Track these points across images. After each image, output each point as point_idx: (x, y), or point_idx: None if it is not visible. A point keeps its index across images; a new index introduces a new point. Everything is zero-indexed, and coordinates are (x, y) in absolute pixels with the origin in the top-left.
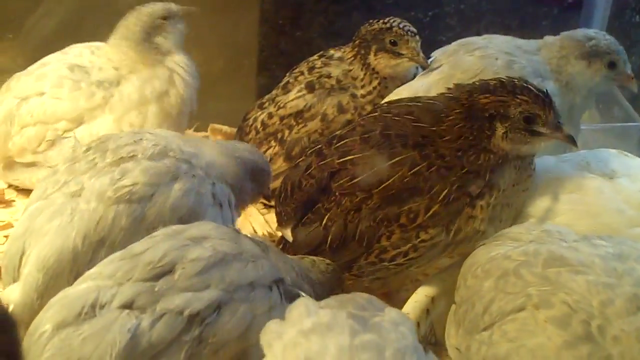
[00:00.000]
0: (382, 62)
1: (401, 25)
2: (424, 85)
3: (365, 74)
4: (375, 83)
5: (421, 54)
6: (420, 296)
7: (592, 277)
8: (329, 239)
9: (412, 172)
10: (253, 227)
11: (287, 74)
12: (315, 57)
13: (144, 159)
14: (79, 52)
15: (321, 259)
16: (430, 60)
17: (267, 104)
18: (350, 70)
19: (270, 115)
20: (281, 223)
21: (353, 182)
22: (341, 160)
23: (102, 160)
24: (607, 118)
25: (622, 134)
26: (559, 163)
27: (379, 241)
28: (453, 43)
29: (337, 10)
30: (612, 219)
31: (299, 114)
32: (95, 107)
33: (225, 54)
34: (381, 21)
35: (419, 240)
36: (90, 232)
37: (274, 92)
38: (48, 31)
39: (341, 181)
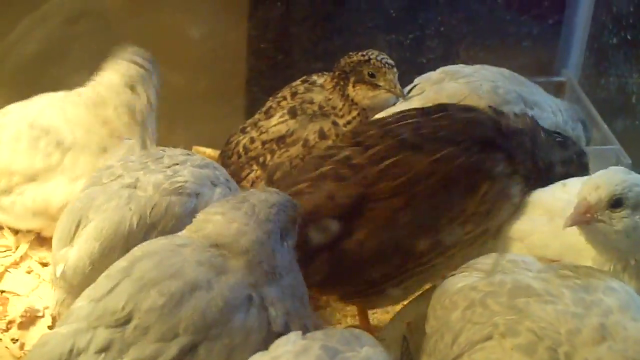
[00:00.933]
0: (360, 94)
1: (379, 58)
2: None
3: (344, 105)
4: (354, 113)
5: (398, 86)
6: (397, 322)
7: (560, 307)
8: (364, 255)
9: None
10: None
11: (270, 99)
12: (298, 82)
13: (191, 166)
14: (41, 107)
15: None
16: (414, 85)
17: (249, 129)
18: (330, 99)
19: (252, 140)
20: None
21: (394, 184)
22: (379, 167)
23: (156, 164)
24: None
25: (600, 156)
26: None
27: (417, 245)
28: (438, 70)
29: (321, 33)
30: (576, 239)
31: (281, 139)
32: (50, 168)
33: (210, 76)
34: (360, 54)
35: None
36: (145, 215)
37: (256, 116)
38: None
39: (380, 186)
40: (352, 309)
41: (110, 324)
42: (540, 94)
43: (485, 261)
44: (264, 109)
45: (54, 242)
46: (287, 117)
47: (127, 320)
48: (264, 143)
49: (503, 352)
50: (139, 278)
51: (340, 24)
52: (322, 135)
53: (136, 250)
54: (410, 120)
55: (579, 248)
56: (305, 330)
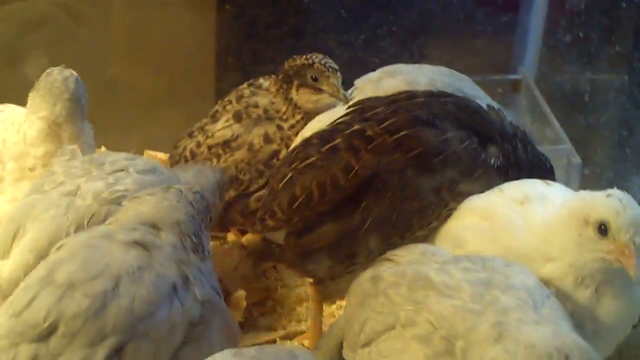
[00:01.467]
0: (303, 97)
1: (323, 62)
2: (343, 109)
3: (287, 108)
4: (298, 117)
5: (341, 90)
6: (333, 329)
7: (458, 302)
8: (369, 221)
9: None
10: None
11: (218, 103)
12: (244, 85)
13: (135, 172)
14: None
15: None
16: (354, 87)
17: (196, 133)
18: (274, 103)
19: (198, 144)
20: (274, 227)
21: (409, 155)
22: (394, 138)
23: (98, 170)
24: (539, 138)
25: (552, 155)
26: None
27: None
28: (377, 70)
29: (271, 35)
30: (524, 247)
31: (226, 144)
32: None
33: (163, 79)
34: (304, 57)
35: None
36: (82, 224)
37: (203, 120)
38: None
39: (395, 157)
40: (297, 314)
41: (33, 339)
42: (480, 91)
43: (399, 253)
44: (210, 112)
45: None
46: (232, 121)
47: (51, 331)
48: (210, 147)
49: (404, 342)
50: (60, 285)
51: (291, 27)
52: (267, 139)
53: (54, 255)
54: (419, 99)
55: (529, 258)
56: (224, 322)
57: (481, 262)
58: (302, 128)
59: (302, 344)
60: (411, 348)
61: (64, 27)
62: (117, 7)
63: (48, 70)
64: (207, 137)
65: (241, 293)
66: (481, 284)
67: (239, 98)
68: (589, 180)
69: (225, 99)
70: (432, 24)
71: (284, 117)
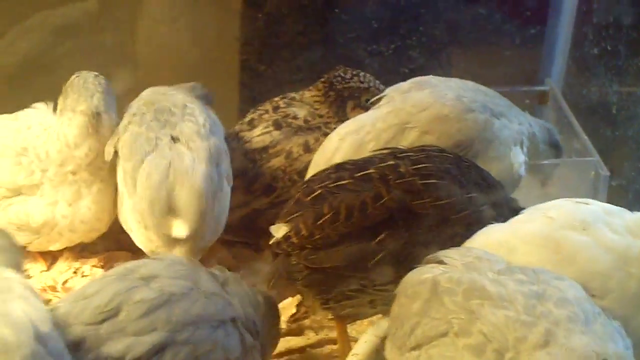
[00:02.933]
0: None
1: (377, 85)
2: (371, 118)
3: (337, 122)
4: None
5: None
6: (370, 336)
7: (512, 314)
8: (381, 255)
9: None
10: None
11: (252, 111)
12: (277, 99)
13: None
14: (28, 123)
15: (261, 290)
16: (384, 95)
17: (229, 139)
18: (317, 111)
19: (232, 150)
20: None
21: (435, 204)
22: (424, 182)
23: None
24: (566, 150)
25: (579, 167)
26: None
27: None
28: (408, 81)
29: (301, 44)
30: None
31: (264, 149)
32: (33, 185)
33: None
34: (356, 78)
35: None
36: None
37: (236, 127)
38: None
39: (421, 201)
40: (328, 321)
41: (87, 321)
42: (508, 106)
43: (452, 255)
44: (245, 120)
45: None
46: (271, 128)
47: (109, 316)
48: (245, 153)
49: (455, 350)
50: (138, 277)
51: (320, 35)
52: (307, 149)
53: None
54: (449, 155)
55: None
56: None
57: (534, 274)
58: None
59: (336, 357)
60: (463, 358)
61: (90, 34)
62: (141, 15)
63: (76, 74)
64: (245, 143)
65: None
66: (534, 296)
67: (275, 108)
68: (616, 193)
69: (260, 108)
70: (461, 35)
71: (333, 126)
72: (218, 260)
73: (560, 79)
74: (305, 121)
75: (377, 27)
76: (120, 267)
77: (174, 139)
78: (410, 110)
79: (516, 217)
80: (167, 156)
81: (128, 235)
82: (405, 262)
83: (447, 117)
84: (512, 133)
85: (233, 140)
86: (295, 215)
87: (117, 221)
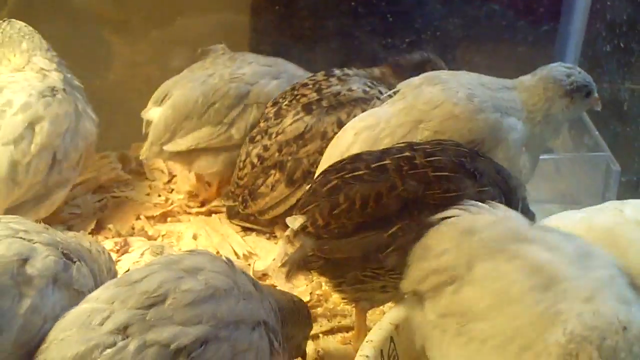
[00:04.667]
0: None
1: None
2: (387, 114)
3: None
4: None
5: None
6: (384, 324)
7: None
8: (393, 247)
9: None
10: (233, 249)
11: (271, 105)
12: (320, 77)
13: (255, 63)
14: None
15: (292, 295)
16: (397, 90)
17: (258, 137)
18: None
19: (265, 148)
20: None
21: (447, 195)
22: (437, 174)
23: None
24: (577, 146)
25: (590, 162)
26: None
27: None
28: (420, 76)
29: (317, 37)
30: None
31: (299, 136)
32: None
33: None
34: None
35: None
36: (208, 95)
37: (262, 124)
38: None
39: (432, 192)
40: (341, 309)
41: (134, 305)
42: (517, 102)
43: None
44: (270, 114)
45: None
46: (302, 113)
47: (156, 302)
48: (280, 146)
49: (506, 272)
50: (183, 268)
51: (336, 28)
52: (340, 125)
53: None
54: (464, 149)
55: None
56: None
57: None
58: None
59: (350, 342)
60: (513, 277)
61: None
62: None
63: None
64: (277, 135)
65: None
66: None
67: (319, 90)
68: (626, 188)
69: (289, 95)
70: (475, 30)
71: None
72: (233, 247)
73: None
74: (365, 92)
75: (392, 21)
76: (164, 257)
77: None
78: (423, 107)
79: (592, 207)
80: None
81: None
82: None
83: (458, 117)
84: (520, 135)
85: (263, 137)
86: (312, 206)
87: None
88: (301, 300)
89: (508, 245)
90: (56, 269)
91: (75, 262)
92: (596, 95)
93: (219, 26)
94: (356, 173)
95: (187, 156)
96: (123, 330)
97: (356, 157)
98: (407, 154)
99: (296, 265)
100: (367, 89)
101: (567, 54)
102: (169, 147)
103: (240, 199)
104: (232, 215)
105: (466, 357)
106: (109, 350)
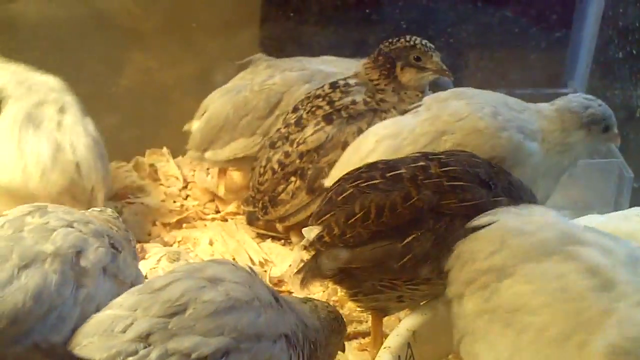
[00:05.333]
0: (407, 76)
1: (423, 42)
2: (410, 124)
3: (393, 90)
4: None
5: (444, 66)
6: (401, 329)
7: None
8: (407, 257)
9: None
10: (249, 255)
11: (292, 112)
12: (327, 89)
13: None
14: None
15: (325, 304)
16: (421, 104)
17: (279, 143)
18: (374, 83)
19: (287, 154)
20: (330, 243)
21: (462, 204)
22: (451, 183)
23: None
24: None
25: (603, 169)
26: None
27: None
28: (447, 90)
29: (330, 43)
30: None
31: (320, 147)
32: None
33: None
34: (402, 40)
35: None
36: (239, 108)
37: (282, 130)
38: None
39: (447, 202)
40: (357, 315)
41: (156, 314)
42: (534, 125)
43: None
44: (291, 120)
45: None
46: (323, 123)
47: (178, 311)
48: (301, 155)
49: (562, 273)
50: (205, 277)
51: (353, 35)
52: (361, 134)
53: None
54: (478, 160)
55: None
56: None
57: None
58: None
59: (366, 349)
60: (572, 278)
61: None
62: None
63: None
64: (299, 145)
65: None
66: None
67: (331, 102)
68: (639, 194)
69: (307, 105)
70: (487, 37)
71: (387, 105)
72: (249, 253)
73: (583, 82)
74: (365, 102)
75: (406, 28)
76: (186, 266)
77: None
78: (447, 119)
79: (616, 213)
80: None
81: None
82: (433, 262)
83: (481, 132)
84: (539, 161)
85: (284, 143)
86: (328, 215)
87: None
88: (334, 310)
89: (563, 247)
90: (106, 260)
91: (120, 252)
92: (616, 131)
93: (231, 33)
94: (371, 182)
95: (232, 162)
96: (145, 338)
97: (372, 166)
98: (422, 163)
99: (311, 273)
100: (368, 99)
101: (579, 61)
102: (210, 157)
103: (260, 204)
104: (252, 220)
105: (516, 347)
106: (130, 358)
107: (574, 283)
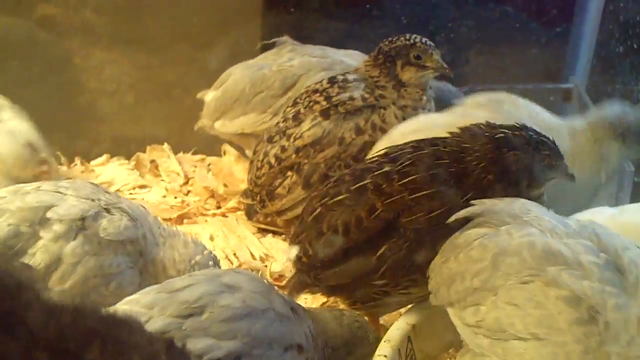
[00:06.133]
0: (407, 74)
1: (423, 41)
2: (437, 120)
3: (394, 87)
4: (407, 94)
5: (444, 65)
6: (402, 323)
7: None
8: (383, 268)
9: None
10: (250, 251)
11: (292, 106)
12: (325, 85)
13: None
14: None
15: (353, 314)
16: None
17: (277, 137)
18: (377, 82)
19: (283, 149)
20: (308, 264)
21: (429, 216)
22: (414, 196)
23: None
24: None
25: None
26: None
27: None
28: (486, 95)
29: (332, 37)
30: None
31: (317, 142)
32: None
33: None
34: (402, 38)
35: None
36: (256, 83)
37: (281, 124)
38: None
39: (414, 217)
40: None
41: (172, 314)
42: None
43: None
44: (289, 115)
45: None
46: (319, 118)
47: (194, 313)
48: (298, 150)
49: (546, 298)
50: (224, 284)
51: (353, 30)
52: (359, 131)
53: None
54: (445, 150)
55: None
56: None
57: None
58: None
59: None
60: (556, 306)
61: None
62: None
63: None
64: (295, 139)
65: None
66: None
67: (328, 98)
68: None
69: (305, 101)
70: (488, 32)
71: (387, 100)
72: (249, 248)
73: (584, 76)
74: (363, 99)
75: (407, 23)
76: (207, 270)
77: None
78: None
79: (629, 205)
80: None
81: None
82: (413, 266)
83: None
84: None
85: (281, 138)
86: (302, 236)
87: None
88: (361, 319)
89: (545, 268)
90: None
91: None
92: None
93: (233, 30)
94: (337, 198)
95: (238, 136)
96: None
97: (339, 180)
98: (386, 169)
99: (298, 287)
100: (366, 95)
101: (580, 56)
102: (219, 127)
103: (258, 198)
104: (250, 214)
105: None
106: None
107: (561, 314)
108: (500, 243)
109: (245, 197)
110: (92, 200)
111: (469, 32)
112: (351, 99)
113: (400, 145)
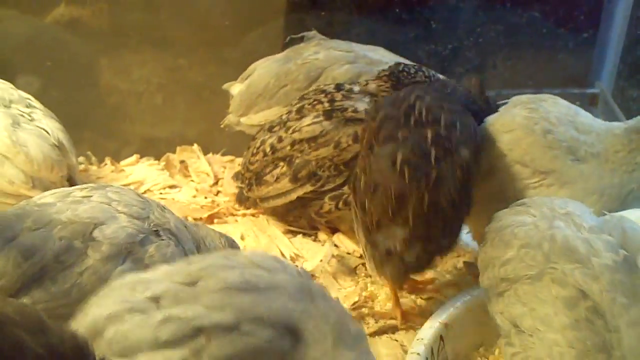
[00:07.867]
0: None
1: (437, 77)
2: None
3: None
4: None
5: None
6: (435, 322)
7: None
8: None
9: None
10: (280, 250)
11: (300, 100)
12: (332, 89)
13: None
14: None
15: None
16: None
17: (277, 128)
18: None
19: (280, 139)
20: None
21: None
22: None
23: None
24: None
25: None
26: None
27: None
28: (531, 95)
29: (360, 42)
30: None
31: (313, 139)
32: None
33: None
34: (419, 72)
35: None
36: (280, 77)
37: (284, 116)
38: None
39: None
40: (388, 310)
41: (174, 280)
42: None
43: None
44: (294, 108)
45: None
46: (321, 117)
47: (192, 282)
48: (293, 142)
49: (548, 296)
50: (231, 259)
51: (381, 34)
52: (356, 139)
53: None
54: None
55: None
56: None
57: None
58: None
59: (396, 340)
60: (555, 306)
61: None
62: None
63: None
64: (293, 132)
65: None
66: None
67: (332, 101)
68: None
69: (312, 98)
70: (515, 37)
71: None
72: (280, 248)
73: (610, 81)
74: (367, 112)
75: (435, 28)
76: (230, 250)
77: None
78: (498, 127)
79: None
80: None
81: None
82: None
83: (523, 148)
84: (592, 185)
85: (281, 129)
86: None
87: None
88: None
89: (557, 264)
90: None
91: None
92: None
93: (259, 31)
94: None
95: None
96: (157, 300)
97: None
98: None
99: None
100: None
101: (606, 61)
102: (244, 120)
103: (247, 181)
104: (241, 200)
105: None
106: (137, 315)
107: (558, 315)
108: (528, 233)
109: (236, 179)
110: (142, 220)
111: (497, 37)
112: (355, 110)
113: None
